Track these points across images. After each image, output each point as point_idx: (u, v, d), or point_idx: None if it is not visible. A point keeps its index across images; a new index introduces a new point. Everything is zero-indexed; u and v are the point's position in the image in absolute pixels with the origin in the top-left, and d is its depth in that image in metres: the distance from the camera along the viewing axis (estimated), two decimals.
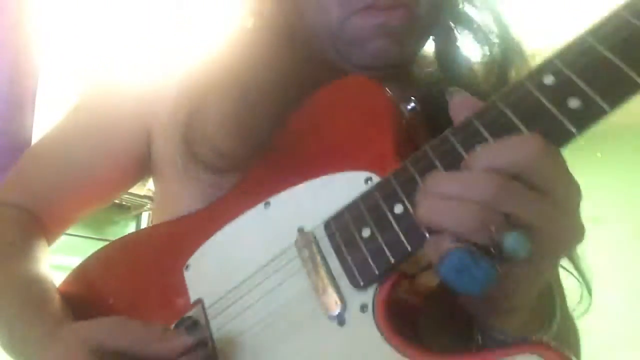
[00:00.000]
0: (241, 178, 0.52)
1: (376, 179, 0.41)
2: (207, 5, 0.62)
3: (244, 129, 0.53)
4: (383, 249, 0.37)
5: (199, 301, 0.47)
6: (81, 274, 0.58)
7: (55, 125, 0.65)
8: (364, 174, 0.42)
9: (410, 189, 0.37)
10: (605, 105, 0.34)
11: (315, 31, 0.56)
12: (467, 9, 0.61)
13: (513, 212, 0.31)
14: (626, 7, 0.35)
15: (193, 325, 0.43)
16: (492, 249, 0.31)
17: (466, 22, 0.61)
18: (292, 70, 0.54)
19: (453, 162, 0.36)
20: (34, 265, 0.56)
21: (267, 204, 0.47)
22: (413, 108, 0.47)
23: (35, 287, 0.53)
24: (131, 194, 2.24)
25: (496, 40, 0.60)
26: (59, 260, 1.24)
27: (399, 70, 0.60)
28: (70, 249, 1.26)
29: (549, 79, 0.35)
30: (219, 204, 0.52)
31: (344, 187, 0.43)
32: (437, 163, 0.37)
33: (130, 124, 0.60)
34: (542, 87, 0.35)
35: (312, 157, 0.47)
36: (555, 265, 0.38)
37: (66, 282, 0.58)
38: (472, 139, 0.36)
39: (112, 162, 0.61)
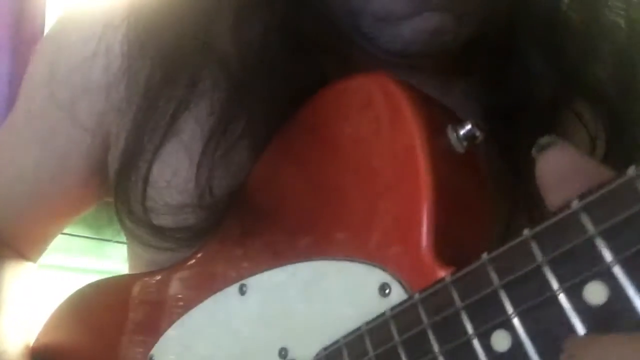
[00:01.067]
0: (215, 240, 0.39)
1: (397, 290, 0.26)
2: None
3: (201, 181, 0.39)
4: None
5: None
6: (54, 321, 0.52)
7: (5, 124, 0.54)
8: (378, 274, 0.26)
9: (448, 333, 0.22)
10: None
11: (335, 5, 0.40)
12: None
13: None
14: None
15: None
16: None
17: None
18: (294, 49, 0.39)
19: (530, 304, 0.20)
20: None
21: (243, 287, 0.34)
22: (471, 134, 0.28)
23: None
24: None
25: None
26: (59, 260, 1.23)
27: (447, 60, 0.42)
28: (70, 249, 1.25)
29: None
30: (184, 274, 0.41)
31: (345, 290, 0.28)
32: (505, 299, 0.21)
33: (82, 130, 0.48)
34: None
35: (301, 221, 0.32)
36: None
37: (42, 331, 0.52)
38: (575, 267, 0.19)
39: (63, 177, 0.51)
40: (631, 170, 0.19)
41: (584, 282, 0.19)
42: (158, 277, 0.44)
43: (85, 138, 0.48)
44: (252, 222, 0.36)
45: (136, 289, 0.45)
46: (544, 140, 0.24)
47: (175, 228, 0.39)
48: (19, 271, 0.56)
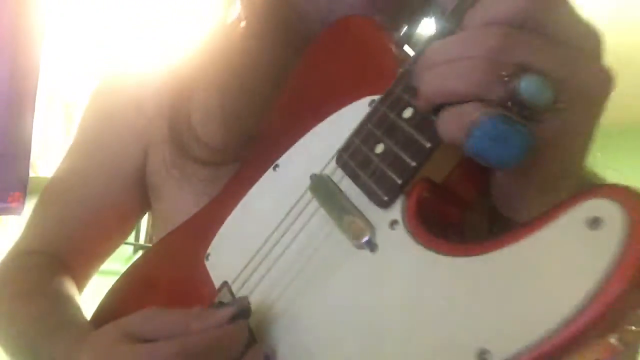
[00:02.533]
0: (243, 160, 0.50)
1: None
2: None
3: (230, 121, 0.51)
4: (401, 156, 0.33)
5: (224, 284, 0.44)
6: (104, 308, 0.55)
7: (61, 163, 0.62)
8: (367, 99, 0.38)
9: (415, 90, 0.33)
10: None
11: (306, 20, 0.52)
12: None
13: (524, 60, 0.28)
14: None
15: (218, 306, 0.40)
16: (510, 105, 0.27)
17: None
18: (282, 60, 0.52)
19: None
20: (59, 298, 0.53)
21: (276, 166, 0.45)
22: (405, 32, 0.43)
23: (61, 308, 0.51)
24: None
25: None
26: None
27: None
28: None
29: None
30: (226, 190, 0.50)
31: (349, 118, 0.39)
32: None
33: (132, 145, 0.58)
34: None
35: (314, 106, 0.44)
36: (590, 126, 0.30)
37: (93, 316, 0.56)
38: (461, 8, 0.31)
39: (122, 190, 0.59)
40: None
41: None
42: (201, 210, 0.52)
43: (138, 152, 0.58)
44: (279, 124, 0.48)
45: (185, 224, 0.52)
46: None
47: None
48: (75, 290, 0.58)
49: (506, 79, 0.27)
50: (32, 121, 1.54)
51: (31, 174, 1.55)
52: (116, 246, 0.63)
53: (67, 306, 0.52)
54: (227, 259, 0.45)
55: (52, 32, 1.89)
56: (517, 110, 0.27)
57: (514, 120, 0.27)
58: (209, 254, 0.47)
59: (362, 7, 0.49)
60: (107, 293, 0.54)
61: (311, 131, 0.42)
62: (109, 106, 0.59)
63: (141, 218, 0.63)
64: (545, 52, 0.28)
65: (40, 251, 0.58)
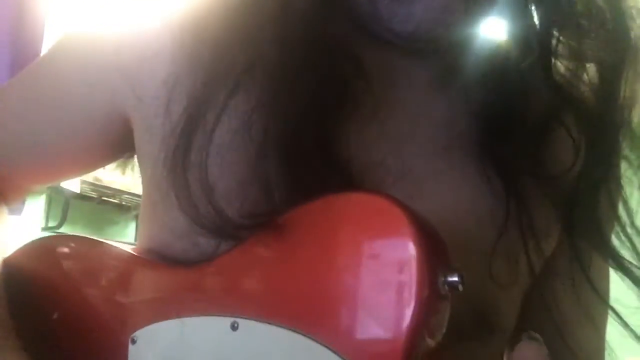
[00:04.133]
0: (226, 259, 0.40)
1: None
2: None
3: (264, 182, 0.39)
4: None
5: None
6: (44, 254, 0.50)
7: (18, 77, 0.56)
8: None
9: None
10: None
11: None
12: None
13: None
14: None
15: None
16: None
17: None
18: (326, 42, 0.42)
19: None
20: None
21: (235, 325, 0.38)
22: (454, 283, 0.33)
23: None
24: (131, 194, 2.24)
25: (598, 27, 0.44)
26: None
27: (455, 48, 0.45)
28: None
29: None
30: (193, 273, 0.42)
31: None
32: None
33: (96, 101, 0.48)
34: None
35: (299, 292, 0.37)
36: None
37: (25, 250, 0.52)
38: None
39: (74, 142, 0.51)
40: None
41: None
42: (163, 268, 0.45)
43: (122, 106, 0.47)
44: (256, 265, 0.40)
45: (135, 265, 0.46)
46: (527, 334, 0.31)
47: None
48: (5, 217, 0.56)
49: None
50: None
51: None
52: (57, 182, 0.59)
53: None
54: None
55: (52, 32, 1.88)
56: None
57: None
58: (135, 338, 0.43)
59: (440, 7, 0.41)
60: (60, 243, 0.50)
61: (280, 330, 0.36)
62: (84, 53, 0.51)
63: (96, 168, 0.56)
64: None
65: None
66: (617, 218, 0.46)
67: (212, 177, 0.40)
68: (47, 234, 2.13)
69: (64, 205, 2.09)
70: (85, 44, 0.51)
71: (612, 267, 0.47)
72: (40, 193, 2.02)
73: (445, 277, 0.33)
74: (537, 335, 0.32)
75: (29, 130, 0.52)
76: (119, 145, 0.51)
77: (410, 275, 0.32)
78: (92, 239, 0.50)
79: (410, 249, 0.32)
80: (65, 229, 2.07)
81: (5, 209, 0.56)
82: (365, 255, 0.34)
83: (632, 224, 0.45)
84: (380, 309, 0.33)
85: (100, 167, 0.56)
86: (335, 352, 0.33)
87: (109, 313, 0.45)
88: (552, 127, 0.46)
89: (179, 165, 0.41)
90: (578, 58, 0.45)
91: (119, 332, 0.43)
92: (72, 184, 2.06)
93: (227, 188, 0.41)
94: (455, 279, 0.33)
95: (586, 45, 0.45)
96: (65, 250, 0.50)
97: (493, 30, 0.46)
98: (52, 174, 0.57)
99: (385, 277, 0.33)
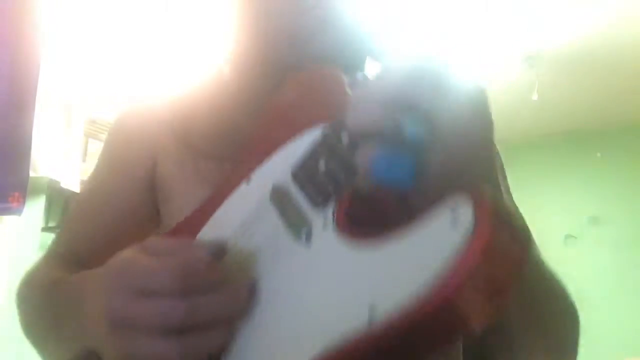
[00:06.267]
0: (228, 169, 0.59)
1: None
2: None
3: (224, 139, 0.62)
4: (335, 173, 0.44)
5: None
6: None
7: (85, 183, 0.73)
8: (321, 126, 0.48)
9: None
10: None
11: (281, 52, 0.62)
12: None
13: (412, 105, 0.38)
14: None
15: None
16: (402, 138, 0.37)
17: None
18: (263, 91, 0.60)
19: None
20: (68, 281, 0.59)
21: (249, 180, 0.55)
22: (364, 76, 0.52)
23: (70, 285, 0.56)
24: None
25: None
26: None
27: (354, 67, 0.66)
28: None
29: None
30: (208, 198, 0.58)
31: (307, 142, 0.49)
32: None
33: (142, 154, 0.67)
34: None
35: (284, 132, 0.55)
36: (471, 152, 0.41)
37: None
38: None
39: (136, 193, 0.68)
40: None
41: None
42: (184, 219, 0.59)
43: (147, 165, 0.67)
44: (255, 144, 0.57)
45: (170, 232, 0.60)
46: None
47: None
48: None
49: (397, 120, 0.37)
50: (32, 121, 1.54)
51: (31, 174, 1.55)
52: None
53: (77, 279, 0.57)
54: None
55: (52, 32, 1.89)
56: (405, 143, 0.37)
57: (401, 149, 0.36)
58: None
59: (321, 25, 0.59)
60: None
61: (278, 152, 0.54)
62: (122, 136, 0.71)
63: (156, 224, 0.71)
64: (428, 95, 0.37)
65: (65, 254, 0.67)
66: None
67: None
68: (47, 234, 2.13)
69: (64, 205, 2.09)
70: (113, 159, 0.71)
71: None
72: (40, 193, 2.02)
73: (355, 77, 0.51)
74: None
75: (100, 222, 0.69)
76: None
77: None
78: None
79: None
80: None
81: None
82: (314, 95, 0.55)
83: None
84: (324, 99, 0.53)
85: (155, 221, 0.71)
86: (311, 128, 0.50)
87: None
88: None
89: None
90: None
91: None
92: (72, 184, 2.07)
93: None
94: (362, 74, 0.53)
95: None
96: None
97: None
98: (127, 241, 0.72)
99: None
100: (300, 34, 0.60)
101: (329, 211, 0.43)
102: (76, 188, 2.03)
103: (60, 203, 2.11)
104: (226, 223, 0.54)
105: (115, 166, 0.71)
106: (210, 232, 0.55)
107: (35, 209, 2.03)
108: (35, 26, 1.48)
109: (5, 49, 1.44)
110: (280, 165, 0.52)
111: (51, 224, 2.11)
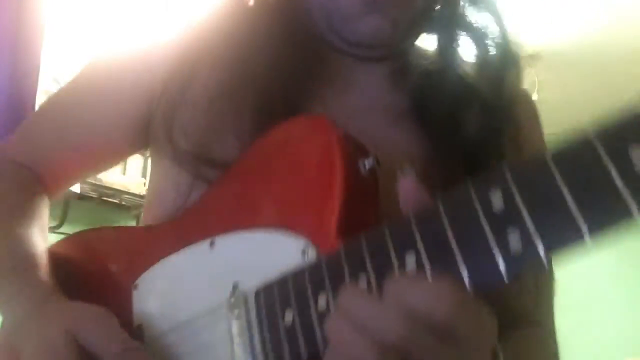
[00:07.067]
0: (199, 202, 0.52)
1: (312, 253, 0.41)
2: None
3: (212, 130, 0.54)
4: (298, 341, 0.38)
5: (140, 328, 0.50)
6: (75, 244, 0.61)
7: (61, 88, 0.68)
8: (302, 243, 0.42)
9: (337, 282, 0.37)
10: (542, 253, 0.30)
11: (311, 10, 0.58)
12: (468, 9, 0.63)
13: (413, 358, 0.33)
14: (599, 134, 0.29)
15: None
16: None
17: (464, 23, 0.62)
18: (288, 50, 0.55)
19: (382, 266, 0.36)
20: (29, 228, 0.58)
21: (213, 243, 0.48)
22: (371, 166, 0.43)
23: (26, 250, 0.55)
24: (131, 194, 2.24)
25: (493, 45, 0.62)
26: None
27: (394, 53, 0.62)
28: None
29: (496, 197, 0.32)
30: (176, 222, 0.53)
31: (281, 250, 0.43)
32: (368, 262, 0.37)
33: (132, 89, 0.61)
34: (485, 204, 0.32)
35: (260, 201, 0.48)
36: None
37: (60, 245, 0.61)
38: (406, 244, 0.35)
39: (112, 125, 0.63)
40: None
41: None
42: (154, 227, 0.55)
43: (139, 98, 0.61)
44: (231, 192, 0.51)
45: (135, 234, 0.58)
46: (406, 168, 0.38)
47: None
48: (46, 209, 0.64)
49: None
50: None
51: None
52: (93, 174, 0.71)
53: (35, 251, 0.56)
54: (150, 306, 0.50)
55: (52, 32, 1.89)
56: None
57: None
58: (137, 285, 0.51)
59: (361, 6, 0.55)
60: (88, 236, 0.61)
61: (249, 232, 0.46)
62: (115, 59, 0.65)
63: (125, 158, 0.69)
64: (435, 355, 0.33)
65: (18, 162, 0.64)
66: None
67: (192, 121, 0.55)
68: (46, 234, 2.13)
69: (64, 205, 2.09)
70: (115, 59, 0.66)
71: None
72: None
73: (364, 161, 0.43)
74: (410, 169, 0.39)
75: (75, 123, 0.64)
76: (140, 133, 0.62)
77: (336, 163, 0.42)
78: (111, 227, 0.63)
79: (333, 146, 0.43)
80: (65, 229, 2.07)
81: (47, 199, 0.65)
82: (304, 160, 0.45)
83: None
84: (319, 190, 0.43)
85: (124, 157, 0.69)
86: (289, 232, 0.43)
87: (115, 277, 0.55)
88: (461, 106, 0.59)
89: (166, 112, 0.57)
90: (481, 65, 0.62)
91: (125, 284, 0.52)
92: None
93: (204, 134, 0.54)
94: (371, 161, 0.43)
95: (486, 55, 0.62)
96: (92, 235, 0.62)
97: (426, 43, 0.65)
98: (86, 165, 0.68)
99: (320, 170, 0.43)
100: (342, 14, 0.56)
101: None
102: (76, 188, 2.03)
103: (60, 203, 2.10)
104: (178, 285, 0.49)
105: (101, 89, 0.63)
106: (159, 280, 0.50)
107: None
108: (35, 26, 1.48)
109: (6, 49, 1.44)
110: (248, 257, 0.45)
111: (51, 224, 2.11)
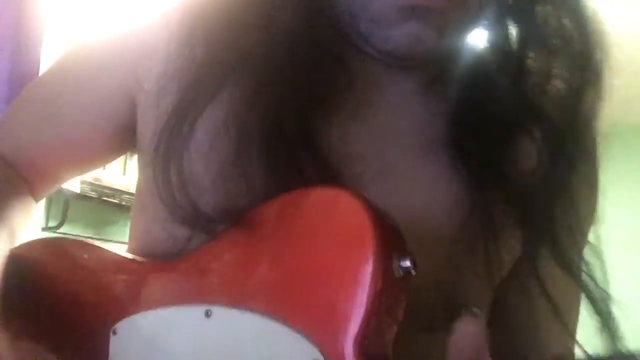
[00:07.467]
0: (198, 251, 0.45)
1: None
2: None
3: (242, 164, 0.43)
4: None
5: None
6: (54, 255, 0.54)
7: (41, 75, 0.63)
8: (315, 353, 0.36)
9: None
10: None
11: (337, 6, 0.48)
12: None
13: None
14: None
15: None
16: None
17: (524, 16, 0.50)
18: (311, 44, 0.46)
19: None
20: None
21: (210, 313, 0.42)
22: (407, 270, 0.36)
23: None
24: (131, 194, 2.24)
25: (570, 49, 0.49)
26: None
27: (435, 63, 0.50)
28: None
29: None
30: (168, 267, 0.47)
31: (289, 351, 0.37)
32: None
33: (110, 87, 0.54)
34: None
35: (270, 281, 0.40)
36: None
37: (35, 249, 0.55)
38: None
39: (91, 125, 0.56)
40: None
41: None
42: (143, 264, 0.49)
43: (118, 99, 0.53)
44: (228, 256, 0.43)
45: (119, 264, 0.50)
46: (467, 310, 0.34)
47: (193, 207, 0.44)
48: (28, 209, 0.58)
49: None
50: None
51: None
52: (79, 173, 0.64)
53: None
54: (131, 355, 0.45)
55: (52, 32, 1.88)
56: None
57: None
58: (116, 330, 0.46)
59: (397, 11, 0.45)
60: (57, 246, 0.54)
61: (253, 316, 0.39)
62: (93, 48, 0.58)
63: (111, 160, 0.62)
64: None
65: (4, 157, 0.58)
66: (569, 228, 0.48)
67: (192, 169, 0.45)
68: (47, 234, 2.13)
69: (64, 205, 2.09)
70: (94, 48, 0.58)
71: (565, 274, 0.48)
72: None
73: (399, 260, 0.36)
74: (477, 310, 0.34)
75: (52, 116, 0.58)
76: (124, 133, 0.55)
77: (367, 260, 0.35)
78: (86, 242, 0.54)
79: (366, 236, 0.35)
80: (65, 229, 2.07)
81: (30, 198, 0.60)
82: (326, 243, 0.38)
83: (582, 233, 0.50)
84: (342, 291, 0.36)
85: (106, 159, 0.61)
86: (300, 333, 0.36)
87: (93, 308, 0.49)
88: (517, 133, 0.50)
89: (161, 155, 0.46)
90: (545, 74, 0.50)
91: (102, 325, 0.46)
92: (72, 184, 2.06)
93: (206, 181, 0.45)
94: (408, 263, 0.36)
95: (554, 63, 0.50)
96: (61, 249, 0.54)
97: (471, 42, 0.51)
98: (67, 161, 0.61)
99: (345, 263, 0.36)
100: (371, 17, 0.46)
101: None
102: (76, 188, 2.03)
103: (60, 203, 2.11)
104: (163, 345, 0.44)
105: (80, 84, 0.57)
106: (142, 331, 0.45)
107: (35, 209, 2.03)
108: (35, 26, 1.48)
109: (6, 49, 1.44)
110: (247, 342, 0.39)
111: (51, 224, 2.11)
